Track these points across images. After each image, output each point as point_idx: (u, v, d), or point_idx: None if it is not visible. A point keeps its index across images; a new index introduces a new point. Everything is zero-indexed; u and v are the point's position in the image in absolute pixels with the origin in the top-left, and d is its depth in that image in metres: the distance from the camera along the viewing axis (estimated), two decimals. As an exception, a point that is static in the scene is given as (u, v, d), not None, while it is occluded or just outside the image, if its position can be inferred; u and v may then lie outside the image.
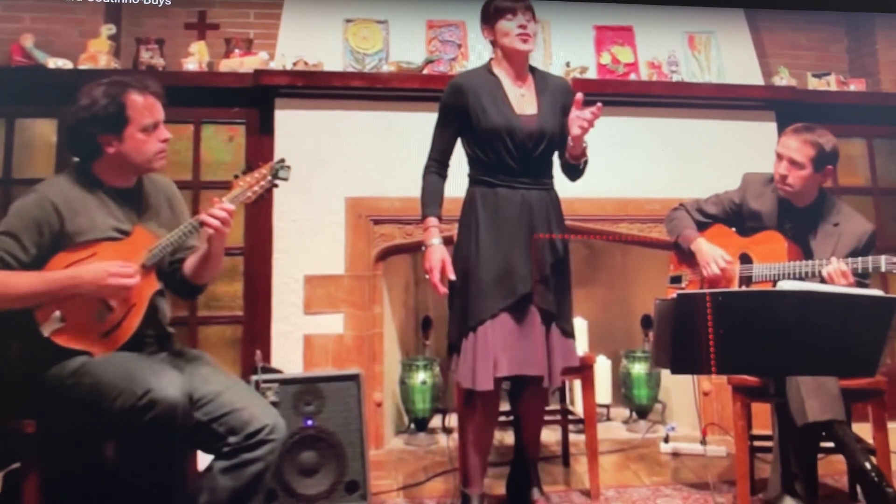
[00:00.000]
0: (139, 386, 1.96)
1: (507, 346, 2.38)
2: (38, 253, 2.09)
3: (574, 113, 2.39)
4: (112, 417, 1.99)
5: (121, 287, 2.07)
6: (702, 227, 2.86)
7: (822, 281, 2.51)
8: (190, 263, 2.28)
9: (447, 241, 2.52)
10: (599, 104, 2.35)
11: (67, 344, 2.07)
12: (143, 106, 2.17)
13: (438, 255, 2.45)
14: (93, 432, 2.11)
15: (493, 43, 2.56)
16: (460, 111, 2.50)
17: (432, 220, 2.51)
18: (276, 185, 2.22)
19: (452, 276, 2.45)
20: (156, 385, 1.97)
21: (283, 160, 2.22)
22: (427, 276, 2.46)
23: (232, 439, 2.04)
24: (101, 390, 2.00)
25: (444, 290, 2.45)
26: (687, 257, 2.86)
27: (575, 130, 2.38)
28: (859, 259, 2.50)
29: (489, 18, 2.53)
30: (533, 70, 2.60)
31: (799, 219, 2.72)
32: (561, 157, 2.56)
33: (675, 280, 2.90)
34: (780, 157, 2.67)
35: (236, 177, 2.23)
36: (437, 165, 2.56)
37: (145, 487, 2.00)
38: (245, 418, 2.05)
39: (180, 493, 2.06)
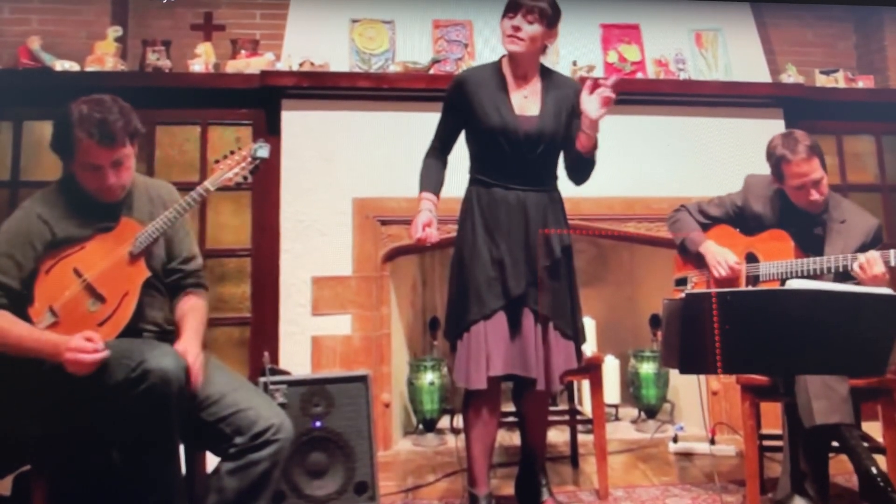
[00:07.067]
0: (133, 358, 1.95)
1: (500, 346, 2.38)
2: (35, 266, 2.09)
3: (586, 96, 2.34)
4: (108, 395, 1.96)
5: (78, 362, 1.97)
6: (704, 228, 2.84)
7: (837, 278, 2.49)
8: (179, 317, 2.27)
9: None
10: (616, 77, 2.34)
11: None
12: (86, 148, 2.07)
13: (422, 216, 2.43)
14: (95, 418, 2.04)
15: None
16: (460, 105, 2.50)
17: (426, 194, 2.51)
18: (257, 165, 2.25)
19: (434, 238, 2.42)
20: (149, 356, 1.96)
21: (262, 140, 2.28)
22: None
23: (238, 440, 2.03)
24: (97, 370, 1.98)
25: (419, 235, 2.42)
26: (692, 259, 2.84)
27: (593, 112, 2.33)
28: (891, 252, 2.46)
29: (502, 16, 2.51)
30: (545, 72, 2.56)
31: (804, 219, 2.69)
32: (569, 155, 2.52)
33: (681, 282, 2.88)
34: (803, 186, 2.61)
35: (217, 161, 2.25)
36: (437, 152, 2.58)
37: (146, 489, 1.99)
38: (251, 418, 2.04)
39: (188, 494, 2.06)
